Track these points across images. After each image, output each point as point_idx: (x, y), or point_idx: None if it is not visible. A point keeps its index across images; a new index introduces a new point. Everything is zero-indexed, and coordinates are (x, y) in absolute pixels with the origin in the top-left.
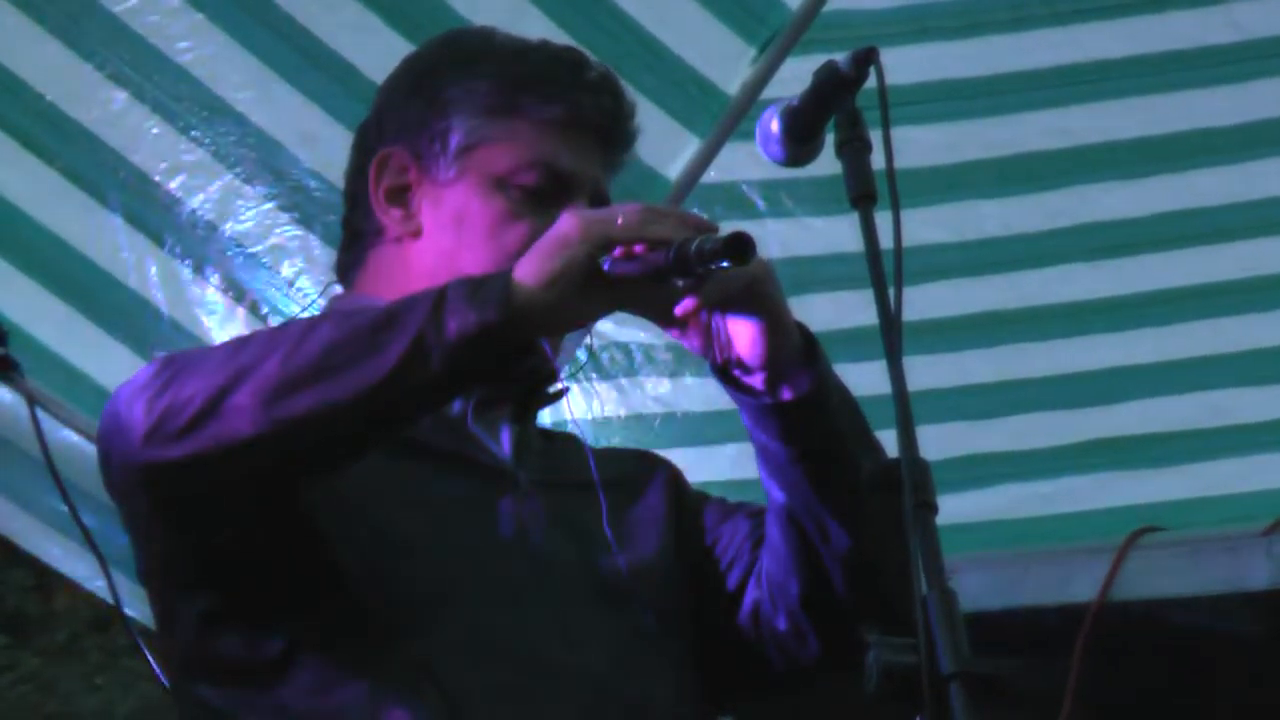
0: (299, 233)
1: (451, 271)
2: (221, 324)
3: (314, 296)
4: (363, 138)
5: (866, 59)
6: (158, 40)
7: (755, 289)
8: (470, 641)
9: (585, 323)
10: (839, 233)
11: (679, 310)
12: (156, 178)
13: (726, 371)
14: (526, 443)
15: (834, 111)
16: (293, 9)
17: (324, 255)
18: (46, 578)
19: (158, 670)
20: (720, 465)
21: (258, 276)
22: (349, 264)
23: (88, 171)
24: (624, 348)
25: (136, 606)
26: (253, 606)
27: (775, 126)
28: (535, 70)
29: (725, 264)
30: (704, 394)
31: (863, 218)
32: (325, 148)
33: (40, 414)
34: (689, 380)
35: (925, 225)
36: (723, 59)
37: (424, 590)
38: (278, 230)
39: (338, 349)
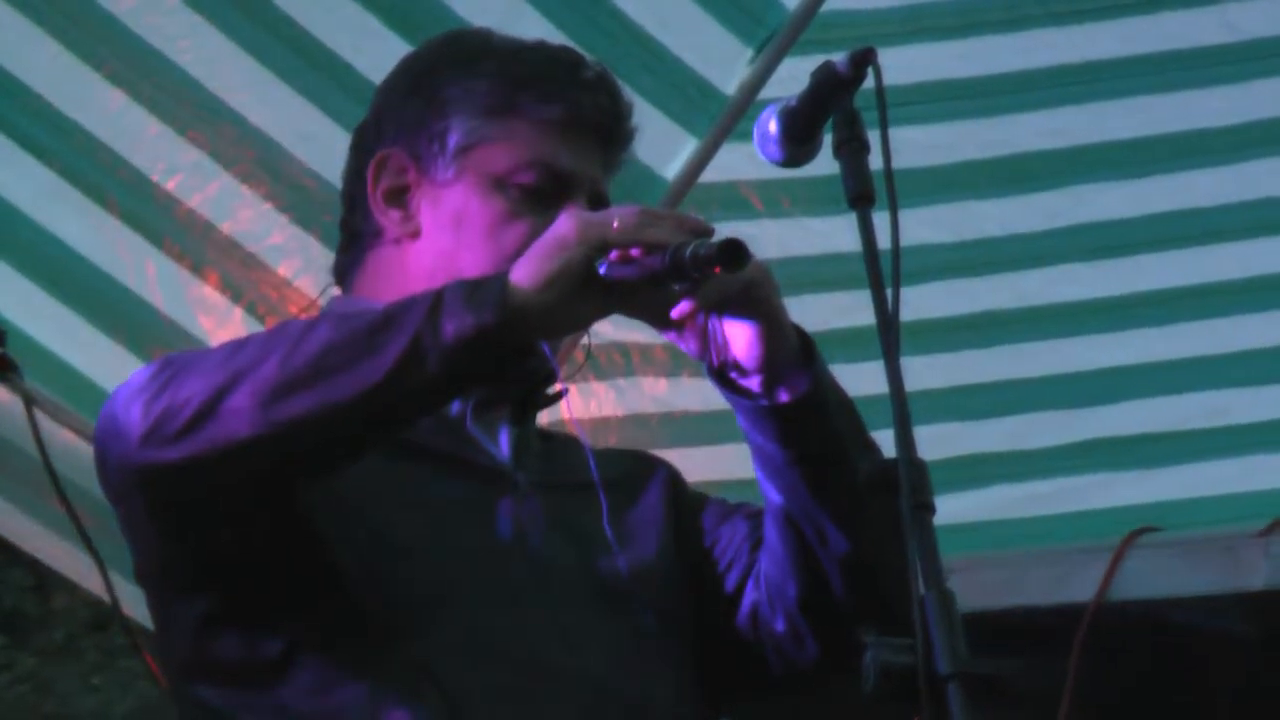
0: (297, 233)
1: (450, 272)
2: (220, 324)
3: (313, 297)
4: (360, 139)
5: (864, 59)
6: (156, 40)
7: (752, 292)
8: (469, 643)
9: (582, 326)
10: (836, 233)
11: (675, 313)
12: (155, 178)
13: (723, 374)
14: (525, 444)
15: (832, 112)
16: (291, 9)
17: (322, 255)
18: (44, 578)
19: (156, 670)
20: (718, 465)
21: (256, 277)
22: (347, 265)
23: (86, 171)
24: (622, 348)
25: (134, 607)
26: (251, 608)
27: (773, 127)
28: (533, 70)
29: (719, 269)
30: (702, 394)
31: (860, 218)
32: (323, 148)
33: (38, 414)
34: (687, 380)
35: (922, 225)
36: (720, 59)
37: (423, 592)
38: (276, 230)
39: (335, 351)
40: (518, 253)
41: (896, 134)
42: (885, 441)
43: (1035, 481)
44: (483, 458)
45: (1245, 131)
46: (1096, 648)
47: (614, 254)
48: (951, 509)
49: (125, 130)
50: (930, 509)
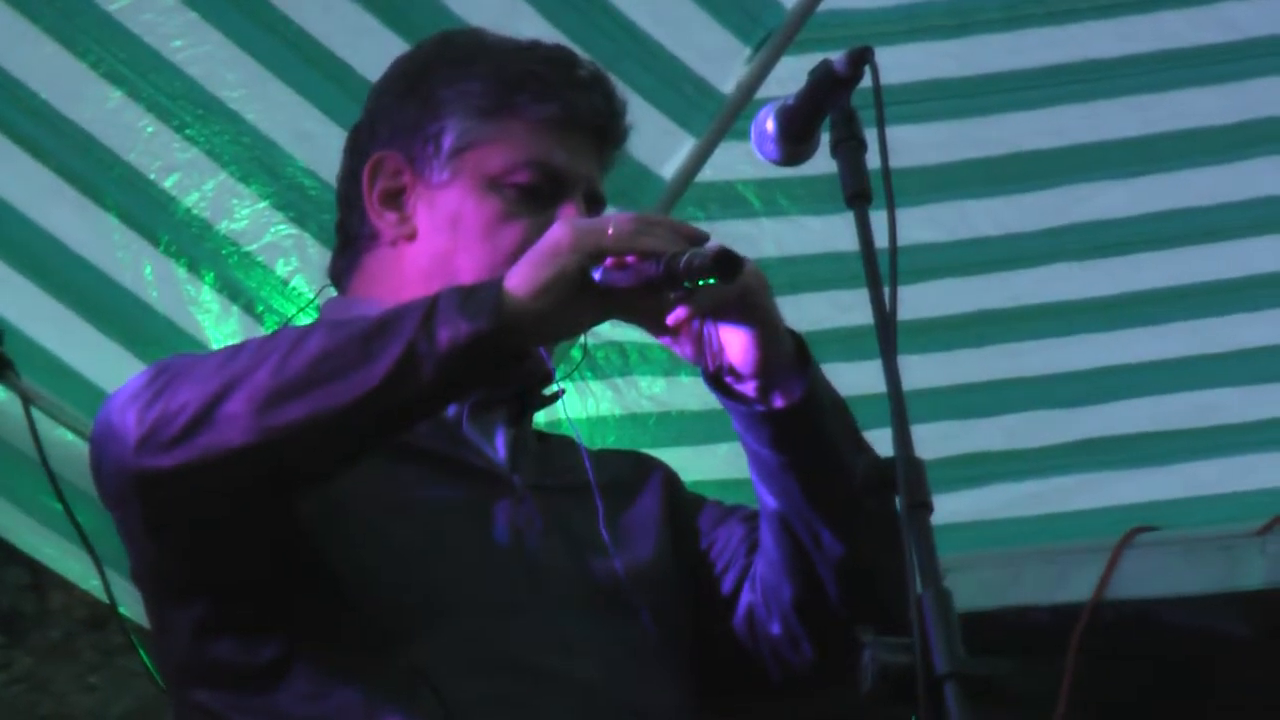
0: (294, 232)
1: (447, 273)
2: (216, 323)
3: (309, 296)
4: (355, 141)
5: (861, 58)
6: (153, 39)
7: (747, 298)
8: (465, 648)
9: (577, 332)
10: (834, 232)
11: (670, 319)
12: (151, 176)
13: (719, 379)
14: (522, 445)
15: (829, 111)
16: (287, 7)
17: (319, 254)
18: (41, 576)
19: (153, 669)
20: (715, 464)
21: (253, 276)
22: (343, 268)
23: (82, 170)
24: (619, 347)
25: (131, 606)
26: (247, 612)
27: (770, 126)
28: (527, 70)
29: (713, 280)
30: (699, 393)
31: (858, 217)
32: (320, 146)
33: (35, 413)
34: (684, 379)
35: (919, 224)
36: (718, 58)
37: (419, 596)
38: (273, 229)
39: (330, 358)
40: (515, 253)
41: (894, 133)
42: (883, 440)
43: (1033, 480)
44: (479, 460)
45: (1242, 131)
46: (1093, 647)
47: (609, 261)
48: (948, 508)
49: (122, 128)
50: (928, 507)
